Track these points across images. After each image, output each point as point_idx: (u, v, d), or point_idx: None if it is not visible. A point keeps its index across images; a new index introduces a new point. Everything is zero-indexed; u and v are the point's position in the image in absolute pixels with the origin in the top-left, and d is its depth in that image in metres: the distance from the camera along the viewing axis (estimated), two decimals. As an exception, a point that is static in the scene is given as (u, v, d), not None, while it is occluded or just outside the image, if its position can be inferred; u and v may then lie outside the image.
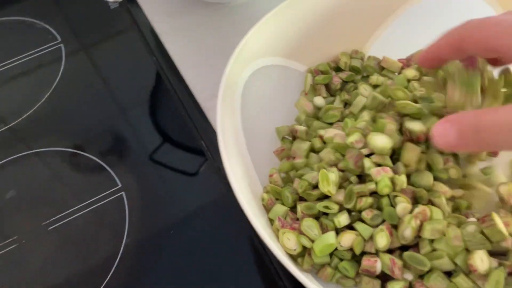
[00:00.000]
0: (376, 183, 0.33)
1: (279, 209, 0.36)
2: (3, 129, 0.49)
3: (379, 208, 0.34)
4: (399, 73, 0.43)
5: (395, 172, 0.35)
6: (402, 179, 0.34)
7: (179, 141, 0.47)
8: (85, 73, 0.53)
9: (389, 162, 0.35)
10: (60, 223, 0.41)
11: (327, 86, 0.44)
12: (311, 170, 0.37)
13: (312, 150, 0.39)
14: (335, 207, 0.34)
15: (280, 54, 0.42)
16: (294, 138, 0.40)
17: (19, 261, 0.39)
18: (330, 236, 0.33)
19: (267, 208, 0.37)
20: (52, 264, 0.39)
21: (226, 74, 0.36)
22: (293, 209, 0.37)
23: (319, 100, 0.43)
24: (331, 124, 0.41)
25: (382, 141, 0.35)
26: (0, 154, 0.46)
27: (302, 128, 0.40)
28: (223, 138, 0.35)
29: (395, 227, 0.33)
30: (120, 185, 0.43)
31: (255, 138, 0.39)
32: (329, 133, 0.38)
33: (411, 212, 0.33)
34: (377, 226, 0.33)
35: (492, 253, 0.32)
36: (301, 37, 0.43)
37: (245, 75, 0.39)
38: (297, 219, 0.36)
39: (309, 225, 0.34)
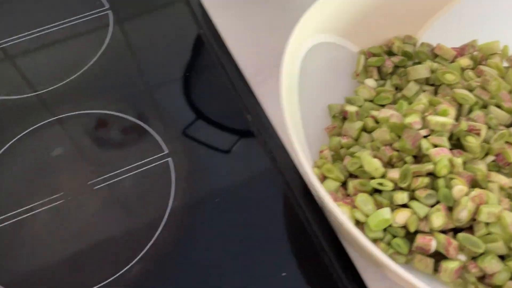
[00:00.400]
0: (435, 164, 0.33)
1: (331, 184, 0.36)
2: (50, 89, 0.49)
3: (434, 189, 0.34)
4: (453, 62, 0.43)
5: (453, 154, 0.34)
6: (460, 162, 0.34)
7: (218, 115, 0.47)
8: (131, 42, 0.53)
9: (447, 143, 0.35)
10: (105, 183, 0.41)
11: (379, 69, 0.44)
12: (362, 148, 0.37)
13: (364, 129, 0.39)
14: (390, 185, 0.34)
15: (337, 32, 0.42)
16: (345, 118, 0.40)
17: (65, 216, 0.40)
18: (386, 211, 0.33)
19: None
20: (97, 222, 0.39)
21: (290, 43, 0.35)
22: (343, 185, 0.37)
23: (370, 82, 0.43)
24: (382, 106, 0.41)
25: (443, 119, 0.35)
26: (47, 113, 0.46)
27: (352, 108, 0.40)
28: (287, 109, 0.34)
29: (449, 209, 0.33)
30: (166, 151, 0.43)
31: (308, 113, 0.39)
32: (384, 113, 0.38)
33: (467, 195, 0.33)
34: (431, 206, 0.33)
35: None
36: (357, 17, 0.43)
37: (304, 49, 0.38)
38: (348, 195, 0.36)
39: (363, 200, 0.34)
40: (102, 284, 0.36)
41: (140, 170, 0.42)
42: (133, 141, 0.44)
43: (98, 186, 0.41)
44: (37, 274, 0.37)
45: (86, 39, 0.53)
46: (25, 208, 0.40)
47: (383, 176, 0.35)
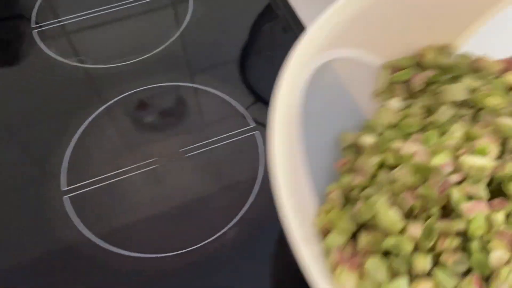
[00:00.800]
0: (468, 222, 0.26)
1: (337, 238, 0.29)
2: (138, 59, 0.50)
3: (466, 253, 0.27)
4: (498, 77, 0.35)
5: (491, 207, 0.27)
6: (500, 218, 0.26)
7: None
8: (212, 15, 0.54)
9: (484, 193, 0.27)
10: (196, 151, 0.43)
11: (406, 87, 0.36)
12: (379, 191, 0.30)
13: (383, 165, 0.32)
14: (409, 247, 0.27)
15: (353, 44, 0.35)
16: (360, 151, 0.33)
17: (159, 179, 0.42)
18: (402, 284, 0.26)
19: (322, 236, 0.30)
20: (190, 186, 0.41)
21: (288, 69, 0.29)
22: (354, 238, 0.30)
23: (395, 103, 0.35)
24: (408, 134, 0.33)
25: (481, 161, 0.27)
26: (136, 82, 0.48)
27: (369, 139, 0.33)
28: (276, 143, 0.28)
29: (486, 279, 0.26)
30: (253, 125, 0.44)
31: (316, 145, 0.32)
32: (407, 148, 0.30)
33: (509, 263, 0.26)
34: (462, 275, 0.26)
35: None
36: (378, 23, 0.35)
37: (311, 68, 0.31)
38: (356, 254, 0.29)
39: (375, 267, 0.27)
40: (198, 245, 0.37)
41: (229, 140, 0.44)
42: (219, 113, 0.46)
43: (190, 154, 0.43)
44: (132, 230, 0.39)
45: (167, 14, 0.55)
46: (120, 170, 0.42)
47: (402, 231, 0.28)
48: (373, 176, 0.32)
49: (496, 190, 0.29)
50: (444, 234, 0.27)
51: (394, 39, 0.37)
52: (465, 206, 0.26)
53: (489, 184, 0.29)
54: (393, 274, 0.27)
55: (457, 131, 0.30)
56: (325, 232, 0.30)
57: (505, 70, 0.35)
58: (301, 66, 0.30)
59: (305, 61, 0.30)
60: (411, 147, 0.30)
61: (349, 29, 0.33)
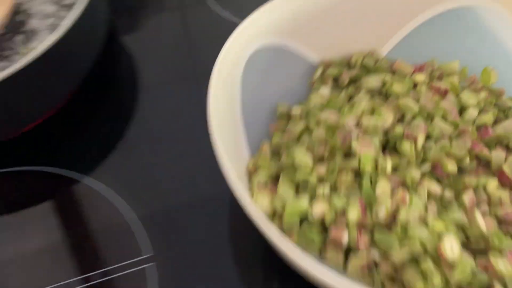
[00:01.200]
0: (359, 159, 0.33)
1: (262, 174, 0.36)
2: None
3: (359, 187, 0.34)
4: (409, 77, 0.43)
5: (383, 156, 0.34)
6: (386, 163, 0.34)
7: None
8: None
9: (376, 144, 0.35)
10: None
11: (335, 81, 0.44)
12: (300, 146, 0.37)
13: (307, 132, 0.39)
14: (314, 179, 0.34)
15: (296, 38, 0.43)
16: (290, 118, 0.41)
17: None
18: (303, 200, 0.32)
19: (250, 175, 0.37)
20: None
21: (230, 43, 0.37)
22: (276, 181, 0.37)
23: (324, 90, 0.43)
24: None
25: (376, 121, 0.35)
26: None
27: (298, 109, 0.40)
28: (214, 103, 0.35)
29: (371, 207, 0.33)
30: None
31: (253, 113, 0.40)
32: (325, 114, 0.38)
33: (389, 193, 0.33)
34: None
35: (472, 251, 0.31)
36: (319, 26, 0.44)
37: (249, 50, 0.40)
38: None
39: (285, 190, 0.33)
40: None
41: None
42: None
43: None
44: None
45: None
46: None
47: (311, 172, 0.35)
48: (298, 138, 0.39)
49: (392, 150, 0.36)
50: (343, 171, 0.34)
51: (332, 42, 0.45)
52: (358, 146, 0.33)
53: (386, 144, 0.36)
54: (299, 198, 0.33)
55: (363, 103, 0.38)
56: (253, 173, 0.37)
57: (416, 72, 0.43)
58: (242, 44, 0.38)
59: (246, 40, 0.39)
60: (327, 114, 0.38)
61: (290, 22, 0.42)
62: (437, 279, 0.29)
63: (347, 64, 0.45)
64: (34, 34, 0.46)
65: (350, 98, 0.43)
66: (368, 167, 0.33)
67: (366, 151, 0.33)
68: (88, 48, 0.47)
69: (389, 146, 0.36)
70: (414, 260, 0.30)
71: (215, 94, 0.36)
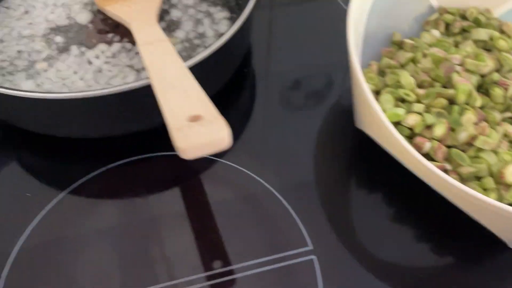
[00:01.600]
0: (456, 90, 0.39)
1: (369, 83, 0.43)
2: None
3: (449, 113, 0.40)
4: (515, 38, 0.48)
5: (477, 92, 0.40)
6: (478, 98, 0.40)
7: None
8: None
9: (474, 81, 0.41)
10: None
11: (447, 27, 0.50)
12: (404, 71, 0.44)
13: (413, 62, 0.46)
14: (413, 97, 0.40)
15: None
16: (401, 47, 0.47)
17: None
18: (400, 110, 0.39)
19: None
20: None
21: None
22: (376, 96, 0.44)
23: (436, 32, 0.49)
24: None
25: (477, 63, 0.41)
26: None
27: (409, 41, 0.46)
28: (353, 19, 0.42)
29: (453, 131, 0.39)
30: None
31: (369, 36, 0.46)
32: (433, 50, 0.44)
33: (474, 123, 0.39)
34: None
35: None
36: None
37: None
38: None
39: (387, 99, 0.40)
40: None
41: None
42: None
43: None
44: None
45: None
46: None
47: (412, 91, 0.41)
48: (403, 65, 0.45)
49: (483, 93, 0.42)
50: (439, 96, 0.40)
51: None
52: (458, 78, 0.40)
53: (480, 88, 0.42)
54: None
55: (469, 48, 0.44)
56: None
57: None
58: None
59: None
60: (435, 49, 0.44)
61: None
62: (493, 195, 0.36)
63: (462, 15, 0.50)
64: (176, 24, 0.53)
65: (456, 46, 0.48)
66: (462, 98, 0.39)
67: (464, 84, 0.39)
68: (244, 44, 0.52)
69: (481, 90, 0.42)
70: (478, 178, 0.37)
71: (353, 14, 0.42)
